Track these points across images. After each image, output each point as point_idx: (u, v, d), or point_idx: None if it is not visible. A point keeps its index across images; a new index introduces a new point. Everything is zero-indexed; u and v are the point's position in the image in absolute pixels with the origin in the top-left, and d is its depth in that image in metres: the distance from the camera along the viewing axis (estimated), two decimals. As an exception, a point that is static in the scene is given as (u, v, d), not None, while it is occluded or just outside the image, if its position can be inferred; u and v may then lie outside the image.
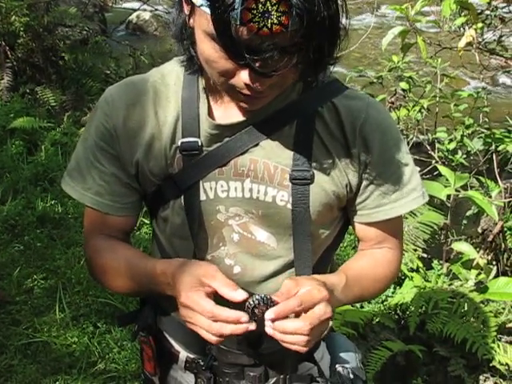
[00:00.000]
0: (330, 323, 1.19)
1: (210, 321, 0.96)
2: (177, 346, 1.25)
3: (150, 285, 1.10)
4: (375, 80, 3.50)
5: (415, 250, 2.86)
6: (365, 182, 1.12)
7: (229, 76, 0.92)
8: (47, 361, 2.60)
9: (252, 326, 0.96)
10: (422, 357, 2.38)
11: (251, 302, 0.96)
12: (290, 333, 0.96)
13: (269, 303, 0.96)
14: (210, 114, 1.08)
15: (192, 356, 1.23)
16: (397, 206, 1.14)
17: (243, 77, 0.90)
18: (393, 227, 1.19)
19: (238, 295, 0.95)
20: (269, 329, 0.96)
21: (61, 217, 3.62)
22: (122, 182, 1.14)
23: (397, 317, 2.68)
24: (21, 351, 2.64)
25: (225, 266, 1.14)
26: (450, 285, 2.65)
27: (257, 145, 1.07)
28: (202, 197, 1.11)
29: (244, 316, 0.95)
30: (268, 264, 1.14)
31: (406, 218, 2.98)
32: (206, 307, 0.96)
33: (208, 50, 0.90)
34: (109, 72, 5.59)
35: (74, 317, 2.84)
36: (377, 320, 2.61)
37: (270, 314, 0.96)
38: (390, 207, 1.14)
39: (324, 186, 1.10)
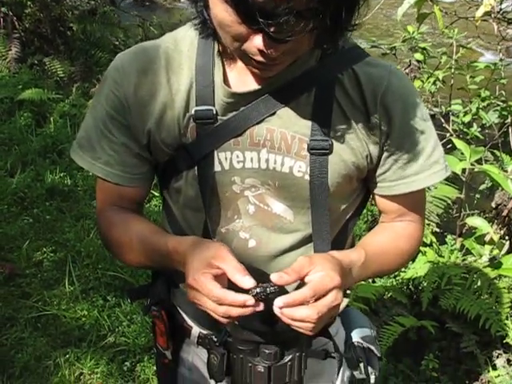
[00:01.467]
0: (345, 301, 1.17)
1: (216, 304, 0.95)
2: (189, 321, 1.23)
3: (162, 261, 1.09)
4: (388, 51, 3.44)
5: (428, 225, 2.84)
6: (386, 153, 1.09)
7: (242, 41, 0.88)
8: (57, 334, 2.62)
9: (260, 307, 0.95)
10: (434, 332, 2.39)
11: (256, 293, 0.95)
12: (298, 320, 0.95)
13: (275, 294, 0.95)
14: (226, 81, 1.05)
15: (205, 332, 1.21)
16: (419, 179, 1.11)
17: (256, 42, 0.86)
18: (414, 200, 1.17)
19: (246, 282, 0.94)
20: (277, 311, 0.95)
21: (70, 189, 3.62)
22: (133, 153, 1.12)
23: (409, 292, 2.68)
24: (31, 324, 2.66)
25: (240, 240, 1.12)
26: (463, 260, 2.64)
27: (273, 114, 1.04)
28: (217, 167, 1.08)
29: (250, 299, 0.93)
30: (284, 238, 1.12)
31: None
32: (212, 291, 0.94)
33: (221, 13, 0.86)
34: (117, 43, 5.56)
35: (84, 290, 2.85)
36: (389, 295, 2.61)
37: (278, 301, 0.94)
38: (412, 180, 1.11)
39: (343, 157, 1.07)
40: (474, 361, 2.40)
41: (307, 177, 1.07)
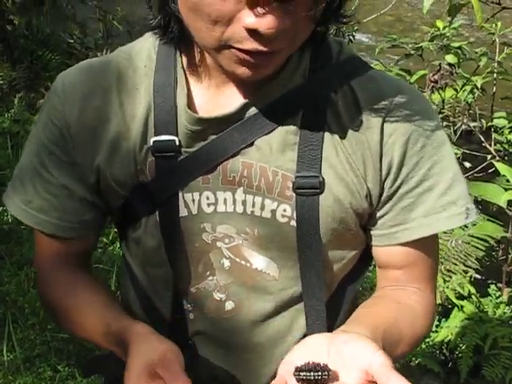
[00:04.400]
0: None
1: None
2: None
3: (102, 343, 1.12)
4: (413, 52, 3.48)
5: (466, 272, 2.85)
6: (387, 191, 1.09)
7: (226, 23, 0.88)
8: (-8, 418, 2.59)
9: None
10: None
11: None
12: None
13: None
14: (191, 104, 1.06)
15: None
16: (426, 224, 1.10)
17: (247, 20, 0.86)
18: (421, 255, 1.15)
19: None
20: None
21: (11, 228, 3.61)
22: (76, 197, 1.13)
23: (443, 358, 2.67)
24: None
25: (213, 302, 1.13)
26: None
27: (251, 144, 1.05)
28: (183, 212, 1.09)
29: None
30: (268, 299, 1.12)
31: (454, 230, 2.95)
32: None
33: None
34: (72, 41, 5.58)
35: (28, 358, 2.82)
36: (417, 362, 2.60)
37: None
38: (418, 224, 1.10)
39: (338, 197, 1.06)
40: None
41: (293, 223, 1.07)
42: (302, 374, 0.91)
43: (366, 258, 1.20)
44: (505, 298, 2.77)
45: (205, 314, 1.14)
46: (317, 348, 0.94)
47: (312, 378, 0.90)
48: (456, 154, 3.05)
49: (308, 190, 1.05)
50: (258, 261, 1.10)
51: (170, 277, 1.12)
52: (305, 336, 1.08)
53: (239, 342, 1.13)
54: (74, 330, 1.19)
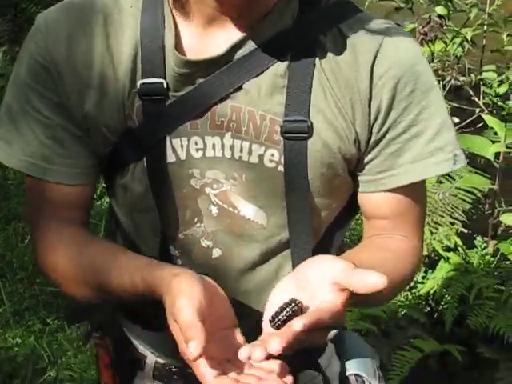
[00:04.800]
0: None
1: None
2: (142, 349, 1.23)
3: (129, 297, 1.07)
4: (403, 5, 3.44)
5: (452, 224, 2.85)
6: (374, 136, 1.08)
7: None
8: (-20, 369, 2.60)
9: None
10: (461, 359, 2.38)
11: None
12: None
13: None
14: (179, 45, 1.05)
15: (162, 361, 1.21)
16: (412, 170, 1.09)
17: None
18: (409, 203, 1.14)
19: (190, 350, 0.86)
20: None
21: (-2, 183, 3.60)
22: (77, 139, 1.10)
23: (429, 309, 2.68)
24: None
25: (201, 249, 1.12)
26: (497, 268, 2.65)
27: (240, 88, 1.04)
28: (171, 158, 1.08)
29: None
30: (256, 247, 1.12)
31: (441, 182, 2.98)
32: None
33: None
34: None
35: (17, 311, 2.84)
36: (403, 312, 2.62)
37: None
38: (404, 170, 1.09)
39: (326, 141, 1.06)
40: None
41: (281, 168, 1.07)
42: (274, 321, 0.93)
43: (353, 206, 1.19)
44: (490, 249, 2.78)
45: (192, 261, 1.13)
46: (286, 289, 0.97)
47: (283, 318, 0.92)
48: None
49: (296, 134, 1.04)
50: (247, 209, 1.10)
51: (157, 223, 1.12)
52: None
53: (226, 289, 1.09)
54: (85, 294, 1.14)
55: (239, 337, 0.98)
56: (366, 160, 1.11)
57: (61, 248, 1.14)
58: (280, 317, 0.92)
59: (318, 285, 0.94)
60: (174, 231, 1.13)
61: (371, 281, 0.87)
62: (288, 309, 0.92)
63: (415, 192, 1.14)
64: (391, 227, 1.16)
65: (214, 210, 1.11)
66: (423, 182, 1.16)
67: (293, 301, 0.93)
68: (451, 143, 1.10)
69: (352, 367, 1.23)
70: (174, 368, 1.19)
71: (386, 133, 1.08)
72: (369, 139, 1.09)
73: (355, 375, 1.23)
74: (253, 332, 0.97)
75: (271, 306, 0.96)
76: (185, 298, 0.91)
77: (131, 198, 1.14)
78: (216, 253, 1.13)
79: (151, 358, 1.22)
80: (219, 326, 0.97)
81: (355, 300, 0.96)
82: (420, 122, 1.08)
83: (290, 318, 0.91)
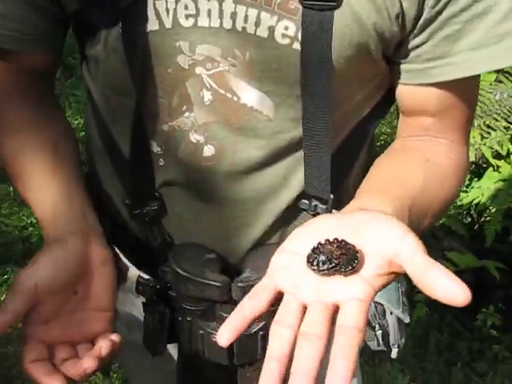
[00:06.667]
0: None
1: None
2: (124, 260, 1.17)
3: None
4: None
5: (507, 129, 2.72)
6: (427, 14, 0.90)
7: None
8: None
9: None
10: (498, 277, 2.37)
11: None
12: None
13: None
14: None
15: (146, 276, 1.14)
16: (476, 59, 0.92)
17: None
18: (460, 101, 1.00)
19: None
20: None
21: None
22: (26, 1, 0.99)
23: (470, 220, 2.66)
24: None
25: (190, 145, 1.01)
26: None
27: None
28: (153, 25, 0.93)
29: None
30: (259, 144, 1.00)
31: (501, 81, 2.82)
32: None
33: None
34: None
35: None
36: (441, 222, 2.56)
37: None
38: (465, 59, 0.92)
39: (359, 13, 0.88)
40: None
41: (297, 45, 0.91)
42: (319, 266, 0.68)
43: (385, 101, 1.06)
44: (547, 158, 2.76)
45: (178, 160, 1.02)
46: (324, 232, 0.74)
47: (333, 264, 0.68)
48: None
49: (319, 1, 0.88)
50: (249, 94, 0.97)
51: (134, 110, 1.00)
52: (303, 193, 1.01)
53: (219, 195, 1.03)
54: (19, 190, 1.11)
55: (103, 323, 0.97)
56: (412, 44, 0.94)
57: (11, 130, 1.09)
58: (328, 263, 0.68)
59: (369, 253, 0.71)
60: (157, 121, 1.02)
61: (453, 290, 0.65)
62: (338, 252, 0.68)
63: (469, 87, 1.01)
64: (435, 128, 1.03)
65: (207, 95, 0.98)
66: (478, 75, 1.00)
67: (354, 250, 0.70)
68: None
69: None
70: (158, 285, 1.13)
71: (443, 8, 0.89)
72: (419, 16, 0.90)
73: (375, 302, 1.14)
74: (243, 262, 0.99)
75: (295, 238, 0.76)
76: (26, 273, 0.92)
77: (104, 75, 1.03)
78: (208, 151, 1.01)
79: (133, 271, 1.16)
80: (82, 306, 0.96)
81: None
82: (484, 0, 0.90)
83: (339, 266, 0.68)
